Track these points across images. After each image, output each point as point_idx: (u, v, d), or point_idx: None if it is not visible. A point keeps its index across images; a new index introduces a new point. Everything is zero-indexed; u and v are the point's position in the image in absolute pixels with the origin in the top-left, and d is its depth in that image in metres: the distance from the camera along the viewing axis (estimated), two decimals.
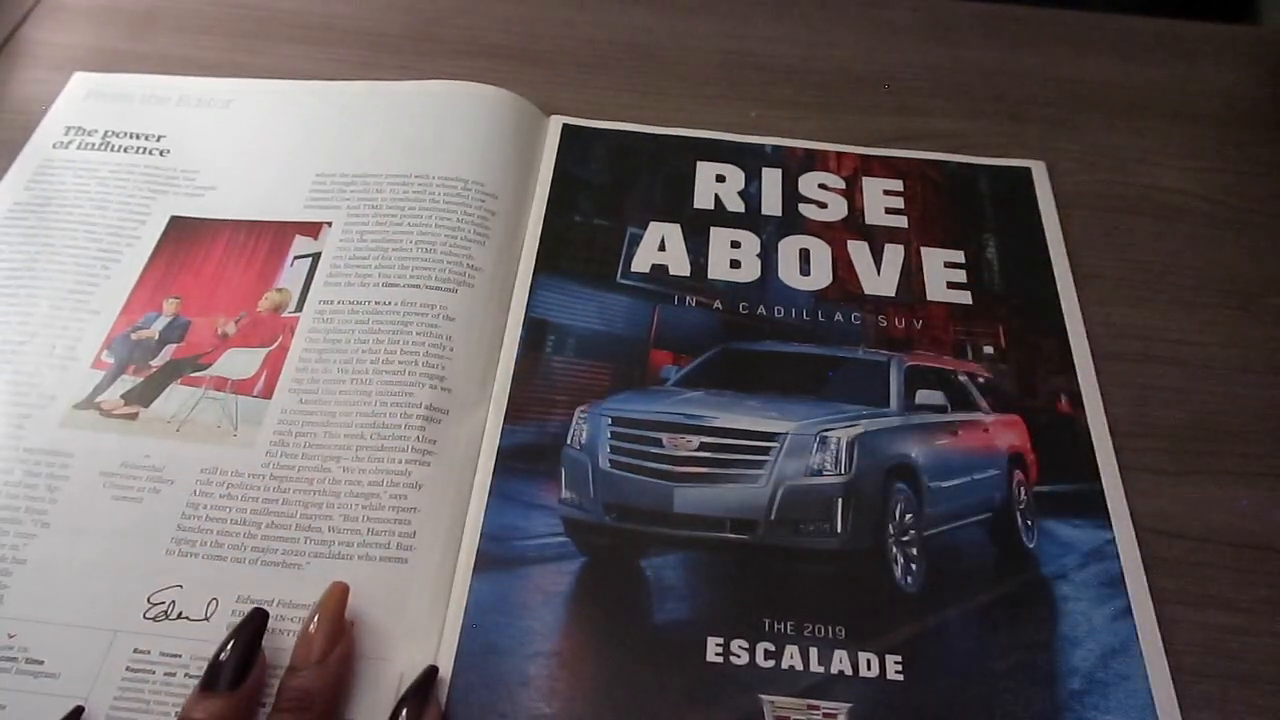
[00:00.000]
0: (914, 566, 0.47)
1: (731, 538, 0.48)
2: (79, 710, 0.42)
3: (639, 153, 0.64)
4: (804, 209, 0.61)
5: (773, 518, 0.49)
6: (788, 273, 0.58)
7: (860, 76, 0.71)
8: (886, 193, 0.61)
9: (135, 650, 0.44)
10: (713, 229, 0.60)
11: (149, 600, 0.46)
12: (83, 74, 0.68)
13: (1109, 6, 0.78)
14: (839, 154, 0.64)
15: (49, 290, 0.57)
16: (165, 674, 0.43)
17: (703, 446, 0.51)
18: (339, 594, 0.44)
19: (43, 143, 0.64)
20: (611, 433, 0.52)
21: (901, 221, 0.60)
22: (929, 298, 0.57)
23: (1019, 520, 0.49)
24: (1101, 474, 0.50)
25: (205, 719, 0.39)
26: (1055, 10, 0.77)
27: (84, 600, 0.46)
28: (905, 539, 0.48)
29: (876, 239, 0.59)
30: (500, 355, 0.55)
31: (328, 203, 0.61)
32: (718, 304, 0.57)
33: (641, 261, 0.59)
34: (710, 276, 0.58)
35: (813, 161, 0.63)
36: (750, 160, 0.63)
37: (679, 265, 0.58)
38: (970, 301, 0.56)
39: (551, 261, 0.59)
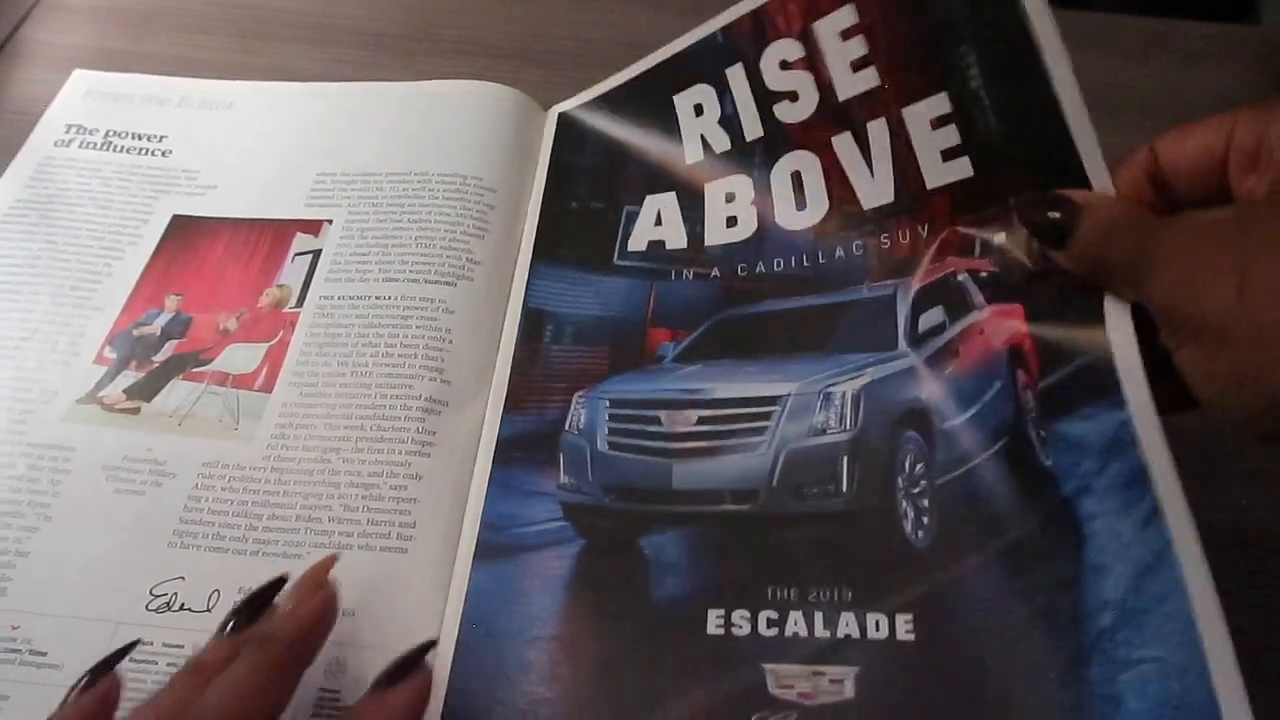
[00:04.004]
0: (925, 520, 0.44)
1: (731, 509, 0.47)
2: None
3: (624, 119, 0.62)
4: (779, 111, 0.56)
5: (774, 484, 0.47)
6: (784, 213, 0.55)
7: None
8: (845, 35, 0.53)
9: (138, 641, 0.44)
10: (706, 186, 0.57)
11: (151, 592, 0.46)
12: (82, 71, 0.69)
13: (1108, 6, 0.78)
14: (782, 3, 0.56)
15: (51, 287, 0.57)
16: (168, 665, 0.44)
17: (701, 420, 0.50)
18: (325, 560, 0.43)
19: (43, 140, 0.65)
20: (609, 414, 0.51)
21: (873, 78, 0.52)
22: (929, 185, 0.49)
23: (1033, 436, 0.44)
24: (1110, 332, 0.41)
25: (213, 660, 0.38)
26: (1055, 10, 0.77)
27: (87, 592, 0.46)
28: (916, 490, 0.45)
29: (857, 120, 0.53)
30: (499, 347, 0.55)
31: (328, 201, 0.61)
32: (715, 272, 0.55)
33: (639, 240, 0.58)
34: (708, 244, 0.56)
35: (762, 27, 0.57)
36: (713, 66, 0.59)
37: (676, 238, 0.57)
38: (972, 171, 0.48)
39: (549, 250, 0.59)
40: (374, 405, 0.52)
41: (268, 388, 0.53)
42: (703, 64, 0.59)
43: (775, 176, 0.55)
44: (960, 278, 0.47)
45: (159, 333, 0.55)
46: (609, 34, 0.74)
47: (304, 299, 0.57)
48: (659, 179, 0.59)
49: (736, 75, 0.58)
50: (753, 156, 0.56)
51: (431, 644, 0.43)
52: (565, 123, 0.65)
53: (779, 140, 0.56)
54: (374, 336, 0.54)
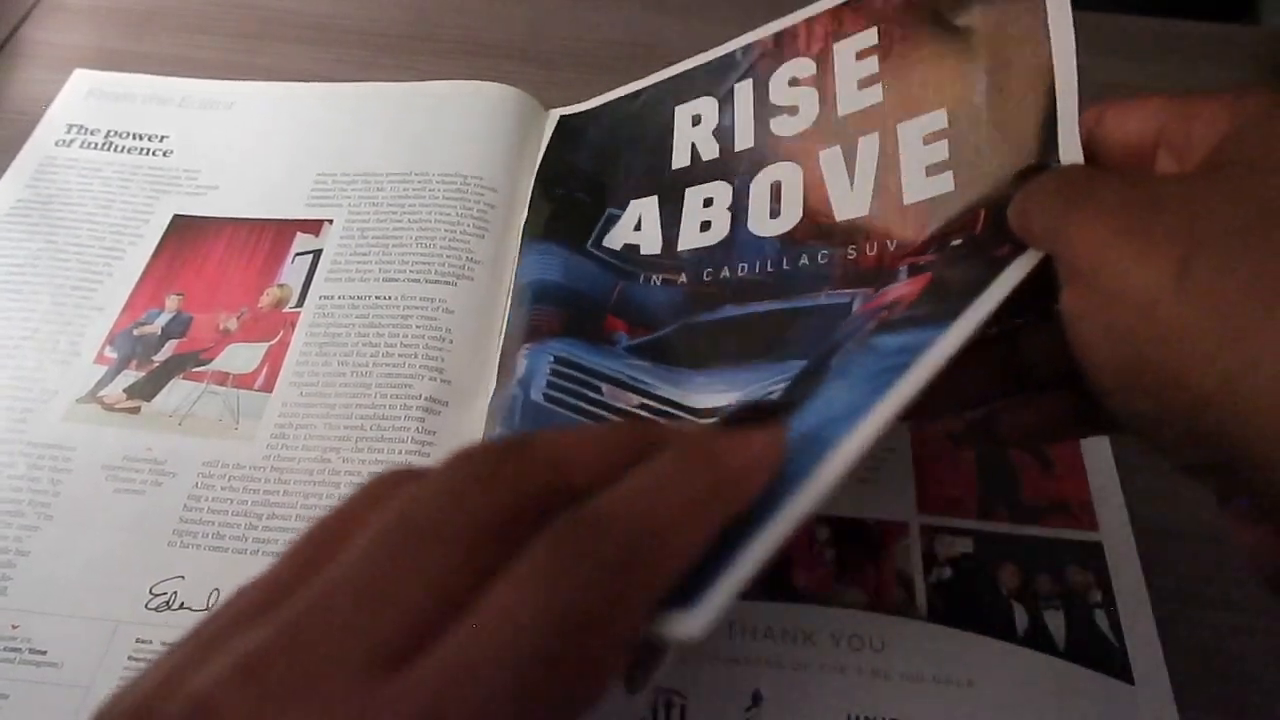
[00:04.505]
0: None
1: None
2: None
3: (624, 124, 0.62)
4: (775, 125, 0.55)
5: None
6: (757, 219, 0.53)
7: None
8: (860, 56, 0.52)
9: (138, 640, 0.44)
10: (687, 190, 0.57)
11: (151, 591, 0.46)
12: (83, 71, 0.69)
13: (1109, 6, 0.78)
14: (809, 24, 0.55)
15: (51, 287, 0.57)
16: None
17: (642, 407, 0.49)
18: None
19: (44, 140, 0.65)
20: (551, 369, 0.50)
21: (876, 94, 0.51)
22: (907, 200, 0.47)
23: (840, 346, 0.41)
24: (994, 281, 0.35)
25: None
26: None
27: (87, 591, 0.46)
28: None
29: (849, 135, 0.51)
30: (498, 344, 0.55)
31: (329, 201, 0.61)
32: (683, 278, 0.54)
33: (615, 239, 0.57)
34: (680, 248, 0.55)
35: (782, 48, 0.56)
36: (723, 81, 0.59)
37: (651, 244, 0.56)
38: (952, 186, 0.46)
39: (530, 232, 0.59)
40: (374, 405, 0.52)
41: (268, 387, 0.53)
42: (715, 79, 0.59)
43: (755, 187, 0.55)
44: (900, 268, 0.45)
45: (159, 332, 0.55)
46: (609, 34, 0.74)
47: (304, 299, 0.57)
48: (644, 183, 0.59)
49: (743, 90, 0.57)
50: (737, 166, 0.56)
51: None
52: (565, 123, 0.65)
53: (767, 151, 0.55)
54: (374, 336, 0.54)
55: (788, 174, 0.53)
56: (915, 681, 0.44)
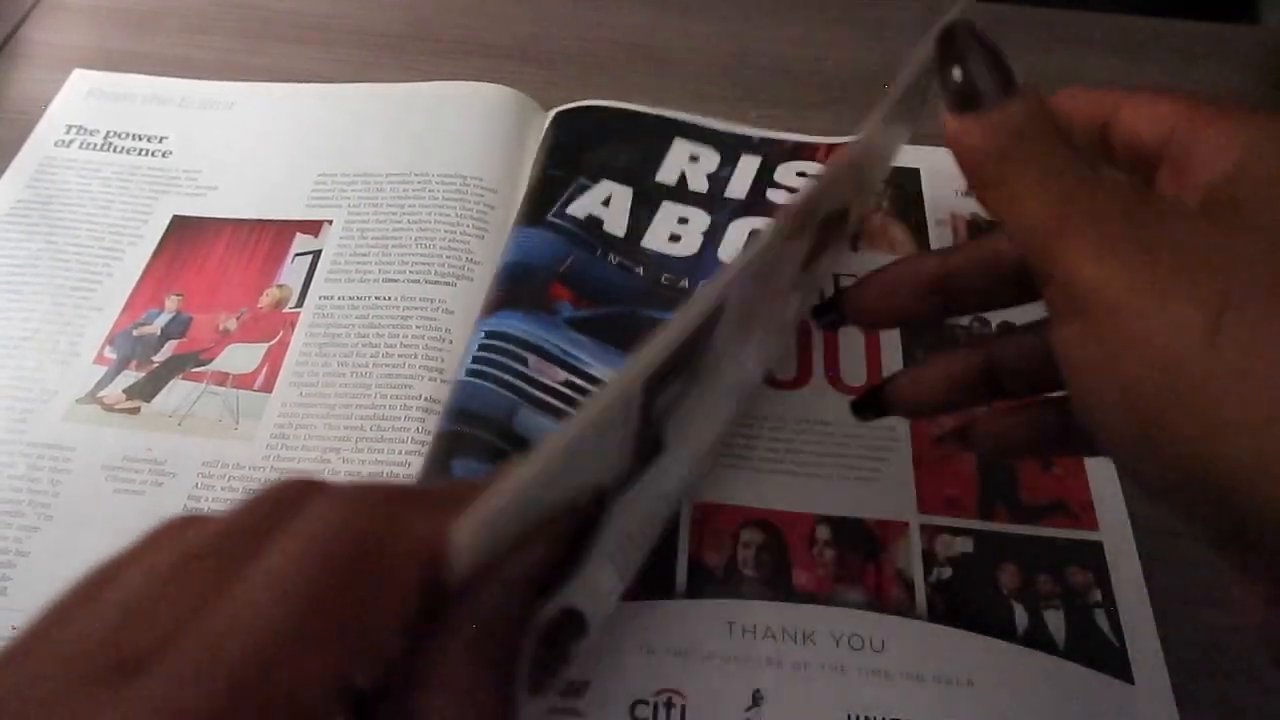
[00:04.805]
0: None
1: None
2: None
3: (621, 130, 0.62)
4: (772, 195, 0.57)
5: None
6: (729, 251, 0.54)
7: (862, 76, 0.71)
8: None
9: None
10: (665, 203, 0.57)
11: None
12: (82, 71, 0.69)
13: (1109, 6, 0.78)
14: (830, 146, 0.60)
15: (51, 287, 0.57)
16: None
17: (569, 384, 0.48)
18: None
19: (43, 141, 0.65)
20: (479, 345, 0.50)
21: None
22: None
23: None
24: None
25: None
26: (1055, 10, 0.77)
27: None
28: None
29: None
30: None
31: (329, 201, 0.61)
32: (641, 270, 0.54)
33: (579, 209, 0.57)
34: (643, 244, 0.56)
35: (798, 153, 0.59)
36: (731, 146, 0.60)
37: (615, 225, 0.56)
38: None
39: (515, 219, 0.59)
40: (374, 405, 0.52)
41: (268, 387, 0.53)
42: (723, 143, 0.60)
43: (734, 228, 0.55)
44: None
45: (159, 333, 0.55)
46: (609, 34, 0.74)
47: (304, 299, 0.57)
48: (623, 175, 0.59)
49: (750, 161, 0.58)
50: (723, 205, 0.57)
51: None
52: (560, 116, 0.65)
53: (756, 209, 0.56)
54: (374, 336, 0.54)
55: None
56: (915, 681, 0.44)
